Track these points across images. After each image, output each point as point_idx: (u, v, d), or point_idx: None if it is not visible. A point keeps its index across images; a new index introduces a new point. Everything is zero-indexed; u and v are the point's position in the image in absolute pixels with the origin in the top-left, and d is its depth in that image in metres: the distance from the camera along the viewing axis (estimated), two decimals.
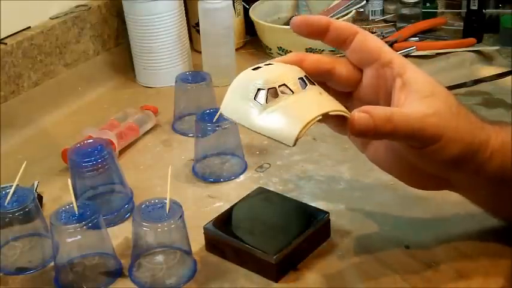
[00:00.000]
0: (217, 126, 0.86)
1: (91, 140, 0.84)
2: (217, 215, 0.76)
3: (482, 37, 1.23)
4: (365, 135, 0.56)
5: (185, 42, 1.17)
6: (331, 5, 1.22)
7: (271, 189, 0.82)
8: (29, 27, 1.06)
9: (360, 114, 0.56)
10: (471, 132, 0.60)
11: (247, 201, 0.78)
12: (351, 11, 1.20)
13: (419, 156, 0.60)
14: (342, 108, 0.58)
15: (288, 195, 0.80)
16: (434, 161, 0.60)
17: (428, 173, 0.63)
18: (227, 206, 0.78)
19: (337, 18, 1.19)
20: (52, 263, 0.72)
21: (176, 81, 1.00)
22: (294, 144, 0.54)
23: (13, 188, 0.73)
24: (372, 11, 1.35)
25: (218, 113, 0.87)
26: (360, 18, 1.32)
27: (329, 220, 0.74)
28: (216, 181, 0.88)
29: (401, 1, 1.29)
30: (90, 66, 1.15)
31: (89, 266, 0.72)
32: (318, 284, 0.69)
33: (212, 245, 0.74)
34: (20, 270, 0.74)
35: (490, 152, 0.61)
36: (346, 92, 0.64)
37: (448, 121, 0.59)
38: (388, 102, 0.61)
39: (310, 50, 1.15)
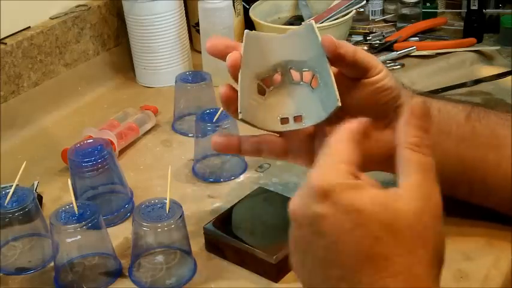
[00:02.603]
0: (217, 126, 0.86)
1: (91, 140, 0.84)
2: (217, 215, 0.76)
3: (482, 37, 1.23)
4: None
5: (185, 42, 1.17)
6: (331, 5, 1.22)
7: (271, 189, 0.82)
8: (29, 27, 1.06)
9: None
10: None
11: (247, 201, 0.78)
12: (351, 11, 1.20)
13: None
14: None
15: (288, 195, 0.80)
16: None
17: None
18: (227, 206, 0.78)
19: (337, 18, 1.19)
20: (52, 263, 0.72)
21: (176, 81, 1.00)
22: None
23: (13, 188, 0.73)
24: (372, 11, 1.35)
25: (219, 113, 0.87)
26: (360, 18, 1.32)
27: None
28: (216, 181, 0.88)
29: (401, 1, 1.29)
30: (90, 66, 1.15)
31: (89, 266, 0.72)
32: None
33: (212, 245, 0.74)
34: (20, 270, 0.74)
35: None
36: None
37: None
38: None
39: None
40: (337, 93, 0.61)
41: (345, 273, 0.46)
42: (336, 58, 0.63)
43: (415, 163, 0.48)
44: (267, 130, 0.66)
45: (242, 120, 0.62)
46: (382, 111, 0.67)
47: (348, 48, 0.63)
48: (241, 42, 0.66)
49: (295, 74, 0.67)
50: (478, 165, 0.68)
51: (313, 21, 0.66)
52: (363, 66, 0.65)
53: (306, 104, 0.66)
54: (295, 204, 0.48)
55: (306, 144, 0.69)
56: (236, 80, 0.65)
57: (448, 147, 0.68)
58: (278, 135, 0.69)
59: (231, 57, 0.64)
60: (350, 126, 0.51)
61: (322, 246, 0.46)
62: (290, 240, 0.49)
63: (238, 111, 0.62)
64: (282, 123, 0.65)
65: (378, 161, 0.65)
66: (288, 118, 0.65)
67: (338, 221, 0.45)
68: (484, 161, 0.68)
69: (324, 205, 0.46)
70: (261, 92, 0.66)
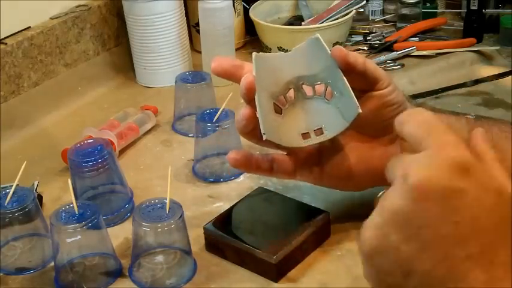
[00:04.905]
0: (217, 126, 0.86)
1: (91, 140, 0.84)
2: (217, 215, 0.76)
3: (482, 37, 1.23)
4: None
5: (185, 42, 1.17)
6: (331, 5, 1.22)
7: (271, 189, 0.82)
8: (29, 27, 1.06)
9: None
10: None
11: (247, 201, 0.78)
12: (351, 11, 1.20)
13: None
14: None
15: (288, 195, 0.80)
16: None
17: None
18: (227, 206, 0.78)
19: (337, 18, 1.19)
20: (52, 263, 0.72)
21: (176, 81, 1.00)
22: None
23: (13, 188, 0.73)
24: (372, 11, 1.35)
25: (219, 113, 0.87)
26: (360, 18, 1.32)
27: (329, 220, 0.74)
28: (216, 181, 0.88)
29: (401, 1, 1.29)
30: (90, 66, 1.15)
31: (89, 266, 0.72)
32: (318, 284, 0.69)
33: (212, 245, 0.74)
34: (20, 270, 0.74)
35: None
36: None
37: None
38: None
39: None
40: (355, 100, 0.61)
41: (477, 251, 0.44)
42: (346, 68, 0.63)
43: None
44: (291, 148, 0.66)
45: (267, 141, 0.62)
46: (388, 125, 0.67)
47: (358, 58, 0.64)
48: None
49: (307, 89, 0.67)
50: None
51: (318, 35, 0.66)
52: (373, 77, 0.65)
53: (323, 116, 0.66)
54: (425, 176, 0.44)
55: (312, 162, 0.70)
56: (248, 102, 0.64)
57: None
58: (287, 154, 0.69)
59: (246, 80, 0.63)
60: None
61: (453, 222, 0.44)
62: (388, 218, 0.46)
63: (262, 132, 0.61)
64: (304, 139, 0.65)
65: (383, 177, 0.66)
66: (308, 133, 0.65)
67: (479, 198, 0.44)
68: None
69: (465, 180, 0.44)
70: (277, 111, 0.66)
